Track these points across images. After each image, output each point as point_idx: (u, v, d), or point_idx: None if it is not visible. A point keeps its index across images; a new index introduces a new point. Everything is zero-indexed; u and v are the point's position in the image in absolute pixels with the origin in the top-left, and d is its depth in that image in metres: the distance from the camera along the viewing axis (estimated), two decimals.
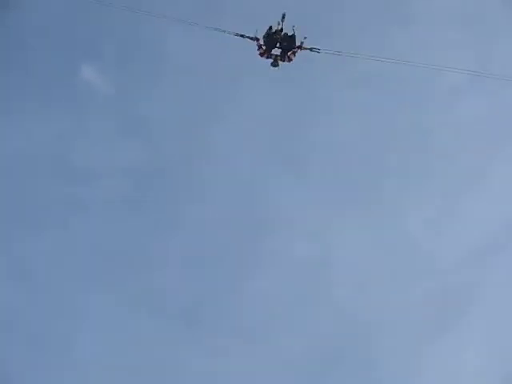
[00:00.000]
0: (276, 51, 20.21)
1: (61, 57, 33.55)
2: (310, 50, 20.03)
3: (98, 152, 34.20)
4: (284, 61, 20.10)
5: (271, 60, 20.14)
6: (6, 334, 29.59)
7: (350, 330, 32.46)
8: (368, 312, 32.73)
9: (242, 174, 34.52)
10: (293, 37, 20.06)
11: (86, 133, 34.11)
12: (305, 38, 19.95)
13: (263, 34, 20.12)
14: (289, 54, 20.09)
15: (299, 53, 20.11)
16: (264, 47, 20.03)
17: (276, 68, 20.18)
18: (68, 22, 32.74)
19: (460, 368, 31.79)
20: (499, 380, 30.04)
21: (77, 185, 33.42)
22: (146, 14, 21.57)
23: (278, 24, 19.99)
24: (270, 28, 20.04)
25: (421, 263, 34.08)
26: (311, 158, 34.92)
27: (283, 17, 19.96)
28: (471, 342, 32.50)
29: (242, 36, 19.90)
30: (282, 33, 20.10)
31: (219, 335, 31.90)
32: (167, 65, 33.58)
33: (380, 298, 33.10)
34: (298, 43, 20.11)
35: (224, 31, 19.85)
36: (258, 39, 20.06)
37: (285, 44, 20.05)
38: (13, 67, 32.65)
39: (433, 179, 34.92)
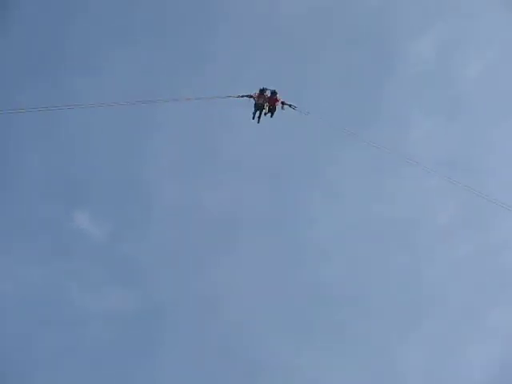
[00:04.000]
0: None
1: (53, 201, 34.22)
2: (290, 106, 24.89)
3: (87, 297, 34.01)
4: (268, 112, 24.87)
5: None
6: None
7: None
8: None
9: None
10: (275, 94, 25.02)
11: (76, 277, 34.12)
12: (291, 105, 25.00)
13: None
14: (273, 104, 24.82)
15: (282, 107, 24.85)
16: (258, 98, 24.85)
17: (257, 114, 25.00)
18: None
19: None
20: None
21: (65, 330, 32.99)
22: None
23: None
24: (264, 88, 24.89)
25: None
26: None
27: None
28: None
29: (242, 96, 24.54)
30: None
31: None
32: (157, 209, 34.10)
33: None
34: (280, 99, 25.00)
35: (228, 96, 23.91)
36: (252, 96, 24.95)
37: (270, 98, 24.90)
38: (4, 209, 33.17)
39: (423, 321, 34.53)
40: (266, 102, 24.86)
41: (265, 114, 25.12)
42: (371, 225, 37.24)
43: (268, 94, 24.99)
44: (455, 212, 36.32)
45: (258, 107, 25.16)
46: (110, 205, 35.51)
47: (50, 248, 34.24)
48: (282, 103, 24.91)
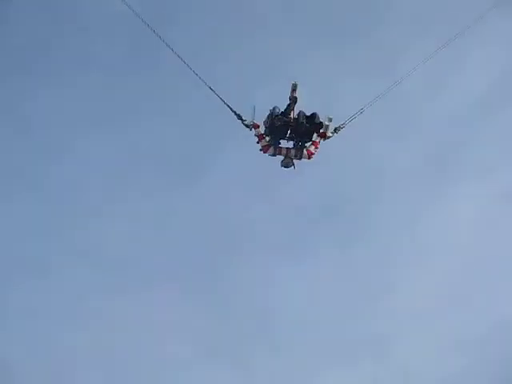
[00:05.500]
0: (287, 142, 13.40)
1: None
2: (335, 131, 13.46)
3: None
4: (300, 157, 13.27)
5: (281, 157, 13.29)
6: None
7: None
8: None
9: None
10: (313, 118, 13.20)
11: None
12: (330, 119, 13.39)
13: (264, 118, 13.16)
14: (308, 145, 13.32)
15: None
16: (267, 137, 13.17)
17: (289, 169, 13.31)
18: None
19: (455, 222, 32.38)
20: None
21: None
22: None
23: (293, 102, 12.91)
24: (274, 108, 13.08)
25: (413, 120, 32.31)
26: None
27: (294, 89, 12.75)
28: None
29: (239, 117, 13.16)
30: (295, 114, 13.08)
31: None
32: None
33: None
34: (321, 128, 13.34)
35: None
36: (257, 126, 13.16)
37: (301, 130, 13.09)
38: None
39: None
40: (287, 129, 12.94)
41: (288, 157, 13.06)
42: None
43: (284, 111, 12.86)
44: None
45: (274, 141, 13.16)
46: None
47: None
48: (322, 136, 13.21)
